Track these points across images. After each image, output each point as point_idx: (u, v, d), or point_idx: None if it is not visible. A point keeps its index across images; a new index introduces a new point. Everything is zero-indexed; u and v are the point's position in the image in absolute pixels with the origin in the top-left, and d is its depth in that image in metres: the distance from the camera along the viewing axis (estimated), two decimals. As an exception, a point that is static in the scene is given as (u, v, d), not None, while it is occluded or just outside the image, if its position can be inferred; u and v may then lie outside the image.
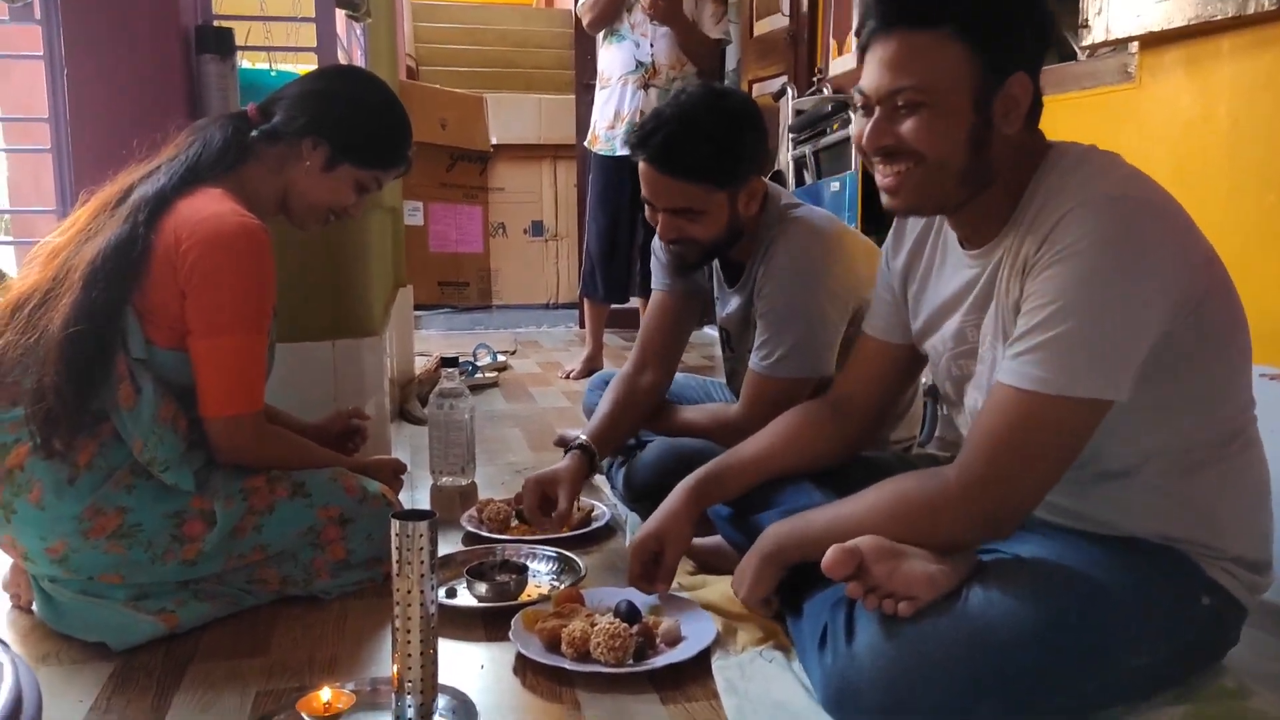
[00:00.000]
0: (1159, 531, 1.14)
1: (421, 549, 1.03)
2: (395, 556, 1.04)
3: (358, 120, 1.57)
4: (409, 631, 1.05)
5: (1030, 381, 1.05)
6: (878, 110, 1.12)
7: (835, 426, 1.44)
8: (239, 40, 2.11)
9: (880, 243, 1.45)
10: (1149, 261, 1.04)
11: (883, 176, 1.16)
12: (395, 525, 1.03)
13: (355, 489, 1.54)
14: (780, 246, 1.74)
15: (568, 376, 3.57)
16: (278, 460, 1.51)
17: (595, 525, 1.83)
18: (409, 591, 1.04)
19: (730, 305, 1.89)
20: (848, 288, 1.74)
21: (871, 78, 1.12)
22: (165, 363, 1.41)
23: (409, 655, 1.05)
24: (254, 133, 1.53)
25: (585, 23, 3.70)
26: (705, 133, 1.63)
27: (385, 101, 1.62)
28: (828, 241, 1.75)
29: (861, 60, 1.14)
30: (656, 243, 1.92)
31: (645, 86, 3.48)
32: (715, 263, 1.89)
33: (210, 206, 1.43)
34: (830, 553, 1.09)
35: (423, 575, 1.04)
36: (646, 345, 1.98)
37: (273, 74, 2.38)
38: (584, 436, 1.89)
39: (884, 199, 1.18)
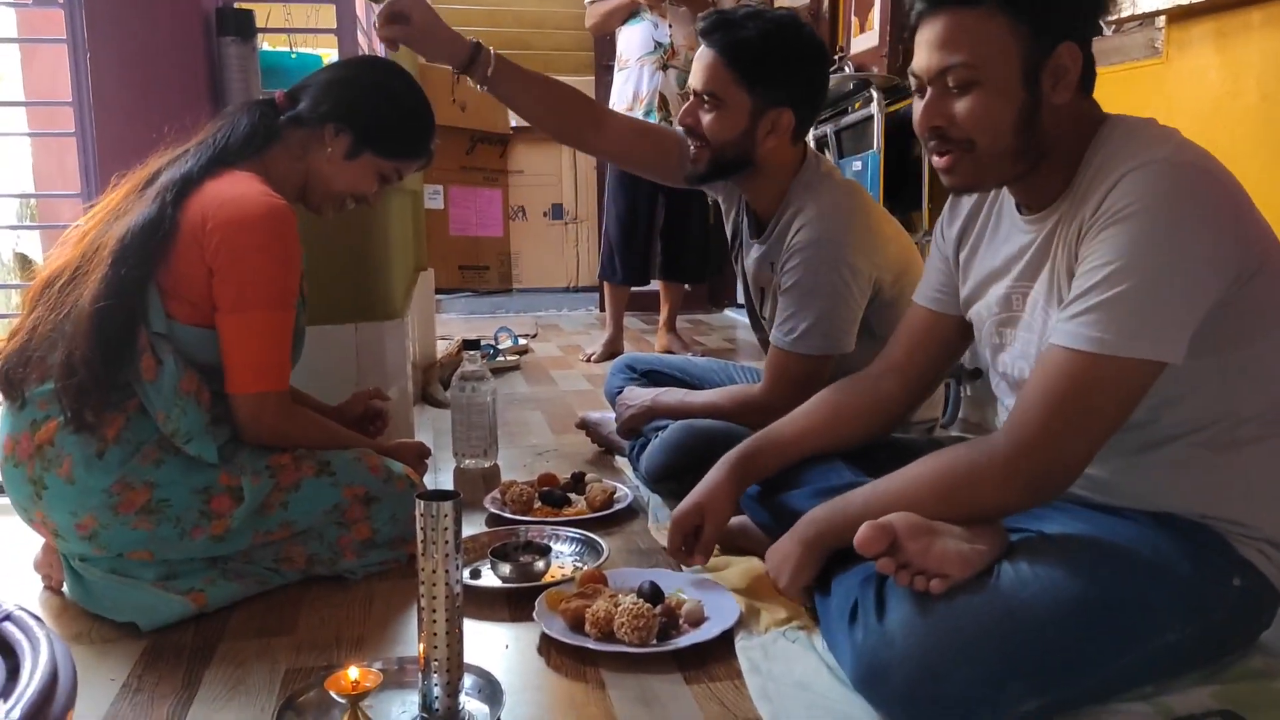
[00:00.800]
0: (1194, 507, 1.14)
1: (446, 529, 1.04)
2: (420, 536, 1.04)
3: (381, 110, 1.58)
4: (435, 611, 1.05)
5: (1086, 342, 1.04)
6: (929, 91, 1.14)
7: (880, 398, 1.43)
8: (259, 23, 2.12)
9: (902, 222, 1.43)
10: (1206, 225, 1.03)
11: (938, 157, 1.17)
12: (420, 505, 1.03)
13: (380, 469, 1.56)
14: (805, 213, 1.74)
15: (589, 359, 3.57)
16: (303, 440, 1.52)
17: (618, 507, 1.83)
18: (434, 571, 1.04)
19: (752, 255, 1.90)
20: (871, 263, 1.73)
21: (921, 58, 1.14)
22: (186, 339, 1.42)
23: (435, 634, 1.06)
24: (280, 118, 1.55)
25: (587, 26, 3.70)
26: (762, 31, 1.67)
27: (410, 93, 1.63)
28: (853, 215, 1.74)
29: (912, 45, 1.16)
30: (726, 207, 1.98)
31: (664, 67, 3.46)
32: (746, 209, 1.91)
33: (237, 187, 1.44)
34: (863, 529, 1.09)
35: (448, 555, 1.04)
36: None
37: (293, 56, 2.39)
38: None
39: (942, 178, 1.20)
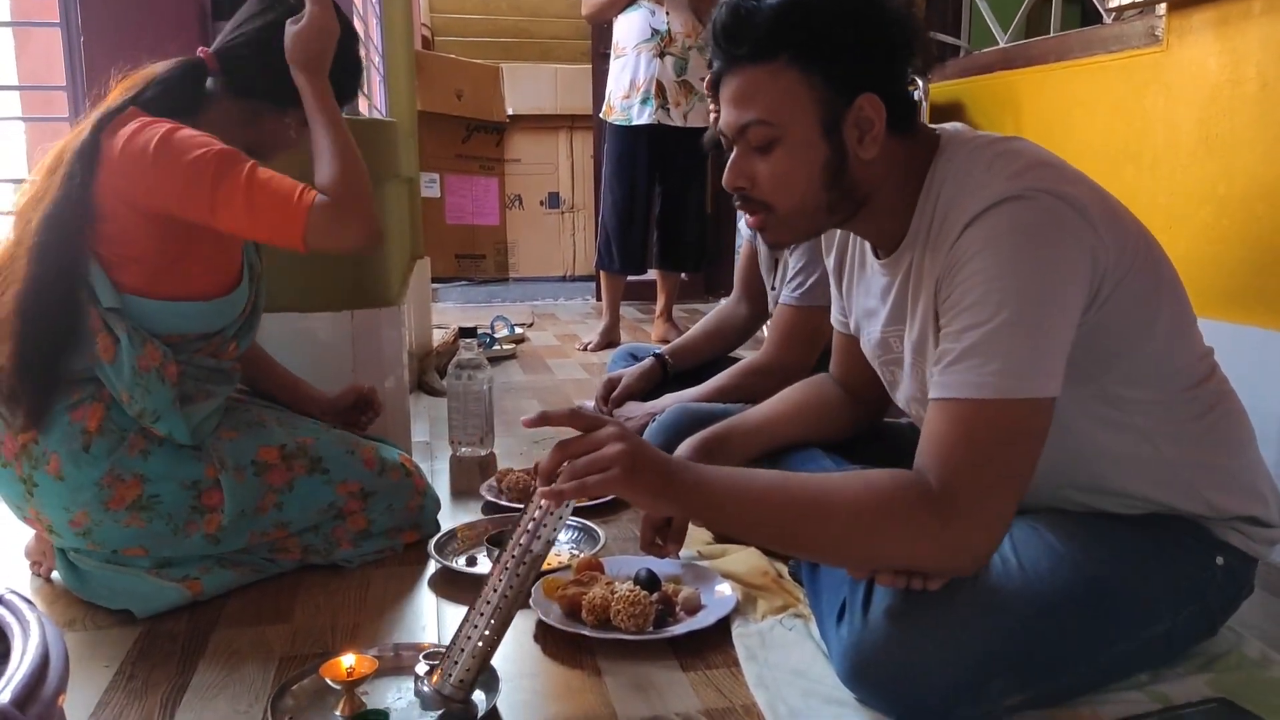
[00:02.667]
0: (1163, 506, 1.13)
1: (554, 528, 1.04)
2: (525, 524, 1.03)
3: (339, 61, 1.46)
4: (489, 599, 1.04)
5: (975, 390, 0.98)
6: (734, 149, 1.11)
7: (842, 402, 1.44)
8: (255, 8, 2.10)
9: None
10: (1059, 252, 0.99)
11: (747, 214, 1.15)
12: (540, 502, 1.03)
13: (374, 461, 1.55)
14: None
15: (585, 349, 3.57)
16: (362, 191, 1.39)
17: (614, 495, 1.82)
18: (517, 564, 1.03)
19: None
20: None
21: (723, 116, 1.11)
22: (140, 311, 1.37)
23: (482, 620, 1.04)
24: (209, 82, 1.45)
25: (584, 14, 3.69)
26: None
27: (346, 27, 1.50)
28: None
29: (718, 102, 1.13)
30: None
31: (661, 55, 3.45)
32: None
33: (122, 132, 1.34)
34: None
35: (539, 552, 1.04)
36: (740, 282, 2.14)
37: (288, 43, 2.37)
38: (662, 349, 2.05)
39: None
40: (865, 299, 1.26)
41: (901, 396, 1.25)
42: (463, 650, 1.05)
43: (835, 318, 1.41)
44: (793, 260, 1.80)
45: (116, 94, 1.41)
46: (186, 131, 1.34)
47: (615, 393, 1.98)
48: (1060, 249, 0.99)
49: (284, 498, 1.46)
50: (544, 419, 1.06)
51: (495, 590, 1.04)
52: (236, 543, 1.44)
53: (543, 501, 1.02)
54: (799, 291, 1.76)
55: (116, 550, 1.39)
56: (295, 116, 1.47)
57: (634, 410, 1.95)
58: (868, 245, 1.23)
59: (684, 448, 1.44)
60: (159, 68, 1.45)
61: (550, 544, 1.05)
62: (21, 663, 0.56)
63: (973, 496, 0.98)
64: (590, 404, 2.35)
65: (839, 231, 1.31)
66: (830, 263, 1.36)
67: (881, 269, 1.19)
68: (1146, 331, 1.07)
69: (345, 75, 1.51)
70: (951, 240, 1.02)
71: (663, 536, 1.41)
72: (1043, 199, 0.99)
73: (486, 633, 1.05)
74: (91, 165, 1.34)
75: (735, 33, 1.06)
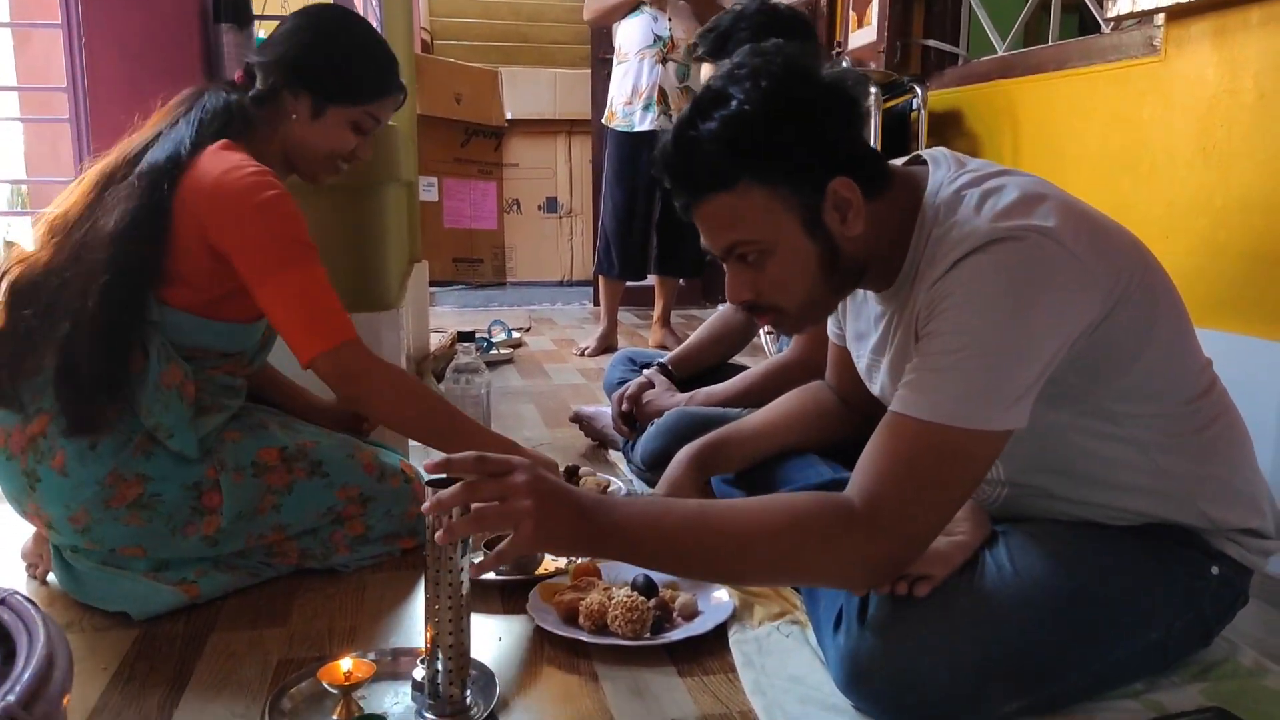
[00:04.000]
0: (1159, 519, 1.13)
1: (454, 515, 1.03)
2: (430, 523, 1.04)
3: (330, 60, 1.50)
4: (443, 599, 1.05)
5: (928, 411, 0.98)
6: (728, 266, 1.13)
7: (842, 409, 1.44)
8: (256, 9, 2.11)
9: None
10: (1039, 294, 0.98)
11: (760, 320, 1.17)
12: (428, 492, 1.03)
13: (374, 466, 1.55)
14: None
15: (582, 353, 3.57)
16: (395, 387, 1.44)
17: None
18: (444, 558, 1.04)
19: None
20: None
21: (706, 240, 1.13)
22: (178, 324, 1.40)
23: (443, 622, 1.05)
24: (240, 97, 1.49)
25: (586, 18, 3.70)
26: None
27: (354, 33, 1.55)
28: None
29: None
30: None
31: (663, 61, 3.46)
32: None
33: (222, 161, 1.39)
34: None
35: (455, 542, 1.04)
36: None
37: (289, 46, 2.37)
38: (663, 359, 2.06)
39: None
40: (859, 323, 1.28)
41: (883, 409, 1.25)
42: (438, 662, 1.06)
43: (832, 330, 1.42)
44: None
45: (160, 117, 1.47)
46: (291, 204, 1.39)
47: (630, 392, 1.98)
48: (1044, 289, 0.98)
49: (283, 500, 1.45)
50: (446, 465, 1.01)
51: (435, 596, 1.05)
52: (234, 545, 1.44)
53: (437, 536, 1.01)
54: None
55: (114, 549, 1.39)
56: (298, 103, 1.49)
57: (665, 401, 1.95)
58: None
59: (682, 455, 1.45)
60: (204, 90, 1.50)
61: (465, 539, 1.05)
62: (27, 664, 0.56)
63: (893, 509, 0.99)
64: (589, 409, 2.35)
65: None
66: None
67: (876, 300, 1.20)
68: (1142, 349, 1.06)
69: (352, 73, 1.52)
70: (936, 279, 1.02)
71: None
72: (1030, 239, 0.98)
73: (450, 635, 1.06)
74: (174, 183, 1.37)
75: (689, 171, 1.08)
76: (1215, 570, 1.13)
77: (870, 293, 1.21)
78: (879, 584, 1.05)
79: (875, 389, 1.27)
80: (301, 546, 1.50)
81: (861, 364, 1.28)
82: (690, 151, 1.06)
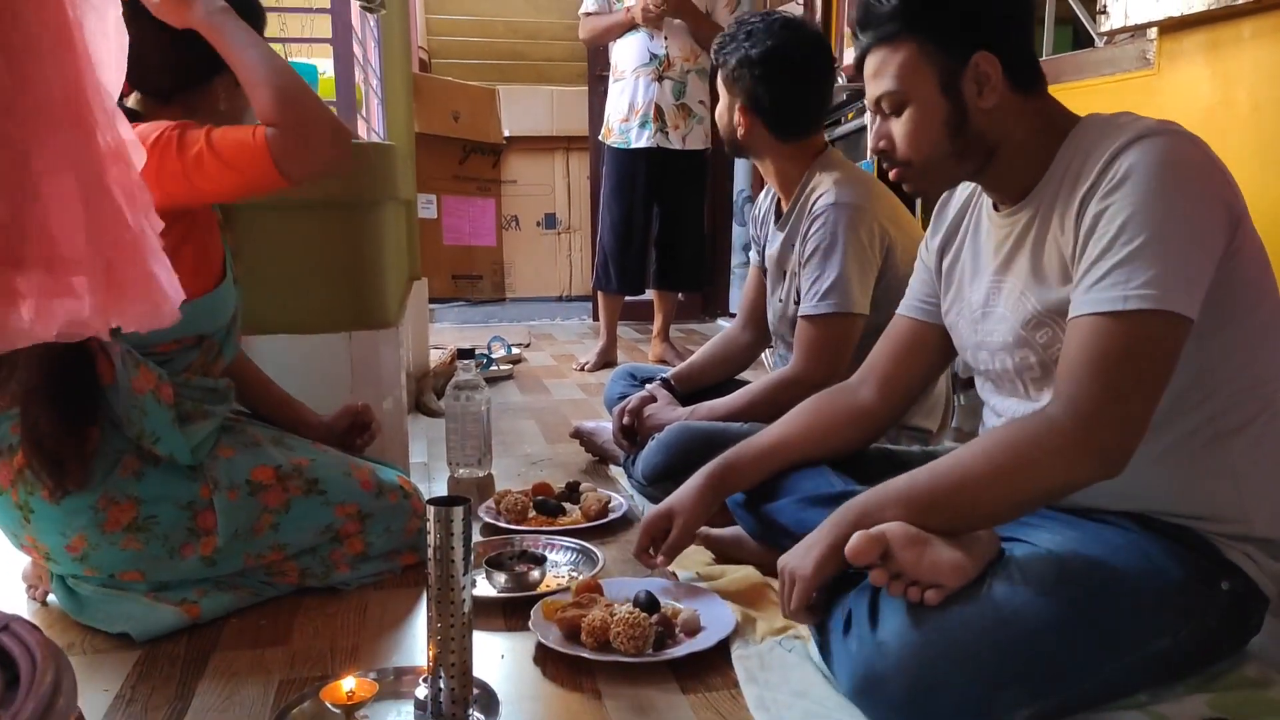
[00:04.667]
0: (1179, 507, 1.14)
1: (458, 534, 1.04)
2: (431, 542, 1.04)
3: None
4: (445, 617, 1.05)
5: (1119, 303, 1.04)
6: (877, 117, 1.25)
7: (860, 408, 1.43)
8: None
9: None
10: (1208, 189, 1.07)
11: (891, 172, 1.27)
12: (431, 511, 1.03)
13: (371, 483, 1.54)
14: (823, 184, 1.83)
15: (582, 368, 3.57)
16: (302, 102, 1.34)
17: (613, 516, 1.83)
18: (446, 577, 1.04)
19: (775, 243, 1.97)
20: (883, 221, 1.81)
21: (867, 92, 1.26)
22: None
23: (445, 640, 1.05)
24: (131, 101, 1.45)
25: (581, 38, 3.72)
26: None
27: None
28: (870, 183, 1.87)
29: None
30: (756, 212, 2.10)
31: (659, 79, 3.48)
32: (769, 204, 2.04)
33: None
34: (855, 539, 1.09)
35: (459, 561, 1.04)
36: (745, 309, 2.17)
37: (288, 66, 2.38)
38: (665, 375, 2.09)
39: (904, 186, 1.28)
40: (972, 261, 1.30)
41: (986, 347, 1.26)
42: (440, 680, 1.06)
43: (912, 304, 1.42)
44: (805, 274, 1.81)
45: None
46: (142, 126, 1.33)
47: (632, 407, 1.98)
48: (1205, 185, 1.07)
49: (280, 519, 1.45)
50: None
51: (438, 615, 1.06)
52: (232, 565, 1.43)
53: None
54: (814, 300, 1.78)
55: (113, 575, 1.38)
56: (222, 81, 1.46)
57: (666, 416, 1.95)
58: (987, 205, 1.28)
59: (695, 480, 1.44)
60: None
61: (466, 552, 1.05)
62: (32, 692, 0.56)
63: (1092, 403, 1.04)
64: (589, 424, 2.35)
65: (949, 214, 1.38)
66: (933, 244, 1.39)
67: (1001, 221, 1.24)
68: (1254, 306, 1.12)
69: None
70: (1098, 166, 1.09)
71: (657, 548, 1.42)
72: (1186, 141, 1.08)
73: (452, 654, 1.06)
74: None
75: (865, 23, 1.22)
76: (1225, 585, 1.12)
77: (989, 222, 1.27)
78: (1100, 478, 1.07)
79: (986, 326, 1.25)
80: (301, 566, 1.50)
81: (973, 301, 1.28)
82: (870, 8, 1.21)
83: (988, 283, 1.26)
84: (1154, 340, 1.04)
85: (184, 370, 1.44)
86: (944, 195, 1.40)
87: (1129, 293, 1.03)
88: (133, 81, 1.44)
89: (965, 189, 1.36)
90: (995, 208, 1.26)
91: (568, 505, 1.89)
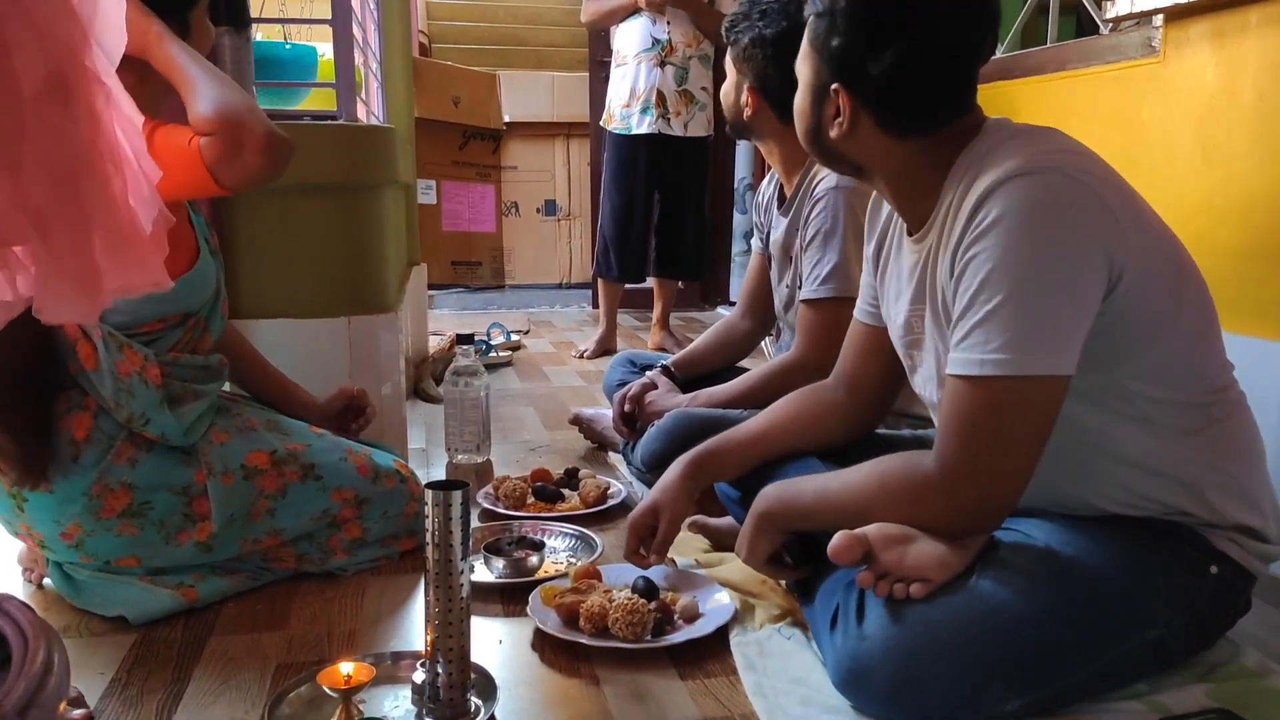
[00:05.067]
0: (1153, 509, 1.13)
1: (456, 519, 1.03)
2: (429, 526, 1.03)
3: None
4: (444, 601, 1.05)
5: (976, 367, 1.02)
6: None
7: (843, 405, 1.43)
8: (254, 12, 2.10)
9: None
10: (1074, 231, 1.01)
11: None
12: (429, 495, 1.03)
13: (367, 468, 1.54)
14: (822, 172, 1.82)
15: (581, 355, 3.56)
16: (233, 109, 1.29)
17: (611, 502, 1.83)
18: (444, 561, 1.04)
19: (779, 229, 1.95)
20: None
21: None
22: (115, 302, 1.33)
23: (443, 625, 1.05)
24: None
25: (583, 20, 3.70)
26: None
27: None
28: None
29: None
30: (759, 199, 2.09)
31: (662, 64, 3.46)
32: (772, 190, 2.03)
33: None
34: (836, 539, 1.09)
35: (457, 545, 1.04)
36: (746, 296, 2.16)
37: (287, 47, 2.37)
38: (666, 361, 2.09)
39: None
40: (896, 281, 1.28)
41: (919, 380, 1.26)
42: (438, 665, 1.06)
43: (861, 308, 1.41)
44: (806, 258, 1.81)
45: None
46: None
47: (633, 393, 1.98)
48: (1074, 230, 1.01)
49: (277, 504, 1.45)
50: None
51: (436, 600, 1.05)
52: (229, 551, 1.43)
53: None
54: (815, 284, 1.77)
55: (109, 561, 1.38)
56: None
57: (667, 402, 1.94)
58: (904, 226, 1.25)
59: (677, 465, 1.43)
60: None
61: (464, 537, 1.05)
62: (23, 670, 0.56)
63: (963, 468, 1.05)
64: (588, 411, 2.35)
65: (882, 217, 1.35)
66: (869, 250, 1.37)
67: (911, 247, 1.21)
68: (1167, 329, 1.08)
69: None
70: (968, 211, 1.05)
71: (647, 547, 1.41)
72: (1060, 179, 1.02)
73: (450, 639, 1.06)
74: None
75: None
76: (1214, 570, 1.12)
77: (907, 244, 1.23)
78: (980, 530, 1.11)
79: (917, 356, 1.25)
80: (299, 552, 1.50)
81: (898, 322, 1.27)
82: None
83: (909, 309, 1.23)
84: (1015, 405, 1.02)
85: (171, 349, 1.43)
86: (874, 199, 1.37)
87: (985, 356, 1.01)
88: None
89: None
90: (908, 231, 1.23)
91: (566, 491, 1.88)
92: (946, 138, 1.14)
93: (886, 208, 1.33)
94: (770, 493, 1.26)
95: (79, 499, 1.33)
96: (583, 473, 1.96)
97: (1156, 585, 1.10)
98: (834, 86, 1.14)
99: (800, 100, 1.22)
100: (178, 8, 1.41)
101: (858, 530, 1.10)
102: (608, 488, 1.87)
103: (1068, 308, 1.01)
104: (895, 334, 1.29)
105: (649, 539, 1.42)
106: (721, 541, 1.58)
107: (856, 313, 1.42)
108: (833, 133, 1.17)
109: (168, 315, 1.42)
